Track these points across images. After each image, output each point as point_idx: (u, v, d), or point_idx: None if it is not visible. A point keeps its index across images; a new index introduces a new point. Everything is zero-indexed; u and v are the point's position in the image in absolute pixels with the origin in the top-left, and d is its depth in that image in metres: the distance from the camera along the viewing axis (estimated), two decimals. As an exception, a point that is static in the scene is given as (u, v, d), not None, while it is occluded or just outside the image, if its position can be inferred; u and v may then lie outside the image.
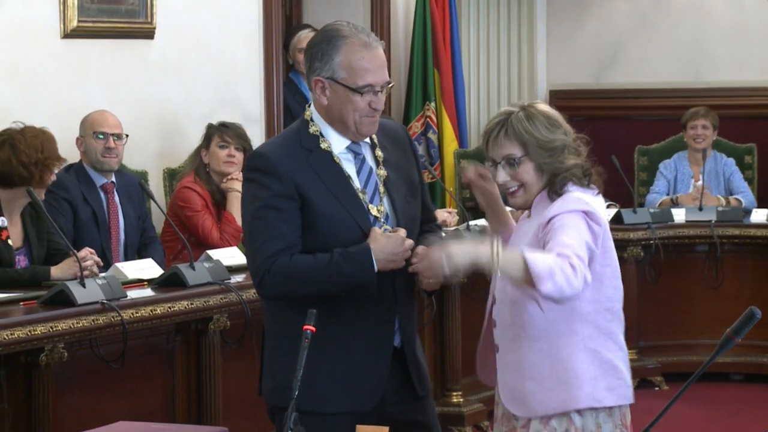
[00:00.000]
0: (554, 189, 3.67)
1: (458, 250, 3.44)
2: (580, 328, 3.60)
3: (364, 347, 3.72)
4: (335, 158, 3.74)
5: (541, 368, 3.63)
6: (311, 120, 3.77)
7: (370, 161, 3.80)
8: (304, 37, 8.10)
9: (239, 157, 6.65)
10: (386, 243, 3.65)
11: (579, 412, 3.63)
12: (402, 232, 3.68)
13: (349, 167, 3.76)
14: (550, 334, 3.60)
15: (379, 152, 3.82)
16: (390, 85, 3.75)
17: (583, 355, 3.61)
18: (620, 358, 3.69)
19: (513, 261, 3.42)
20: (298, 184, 3.66)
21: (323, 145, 3.74)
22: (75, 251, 5.18)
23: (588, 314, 3.61)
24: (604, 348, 3.65)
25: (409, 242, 3.68)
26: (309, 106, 3.80)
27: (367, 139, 3.81)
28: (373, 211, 3.74)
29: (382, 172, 3.80)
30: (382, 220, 3.74)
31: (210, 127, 6.78)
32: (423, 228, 3.91)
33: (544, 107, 3.72)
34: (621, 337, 3.71)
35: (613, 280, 3.69)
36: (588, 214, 3.59)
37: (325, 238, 3.66)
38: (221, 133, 6.70)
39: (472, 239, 3.60)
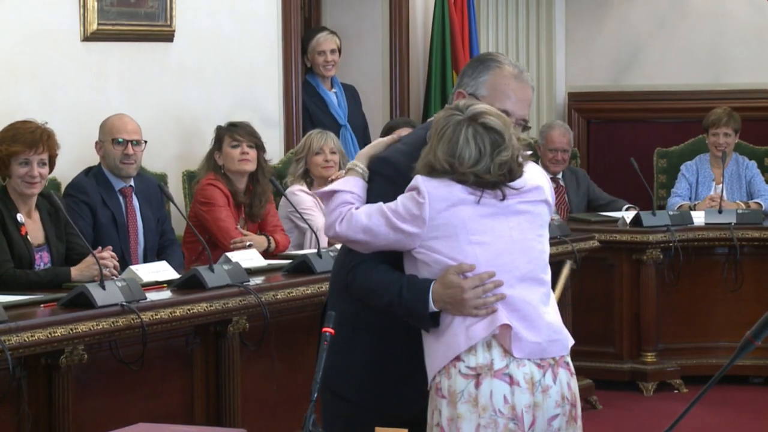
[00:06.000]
0: None
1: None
2: None
3: None
4: None
5: None
6: None
7: None
8: (323, 39, 8.12)
9: (252, 154, 6.65)
10: (447, 287, 3.53)
11: None
12: (474, 279, 3.51)
13: None
14: None
15: None
16: (527, 126, 3.76)
17: None
18: None
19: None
20: None
21: None
22: (93, 252, 5.20)
23: None
24: None
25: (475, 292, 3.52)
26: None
27: None
28: None
29: None
30: None
31: (219, 128, 6.76)
32: None
33: None
34: None
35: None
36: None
37: None
38: (231, 132, 6.69)
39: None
